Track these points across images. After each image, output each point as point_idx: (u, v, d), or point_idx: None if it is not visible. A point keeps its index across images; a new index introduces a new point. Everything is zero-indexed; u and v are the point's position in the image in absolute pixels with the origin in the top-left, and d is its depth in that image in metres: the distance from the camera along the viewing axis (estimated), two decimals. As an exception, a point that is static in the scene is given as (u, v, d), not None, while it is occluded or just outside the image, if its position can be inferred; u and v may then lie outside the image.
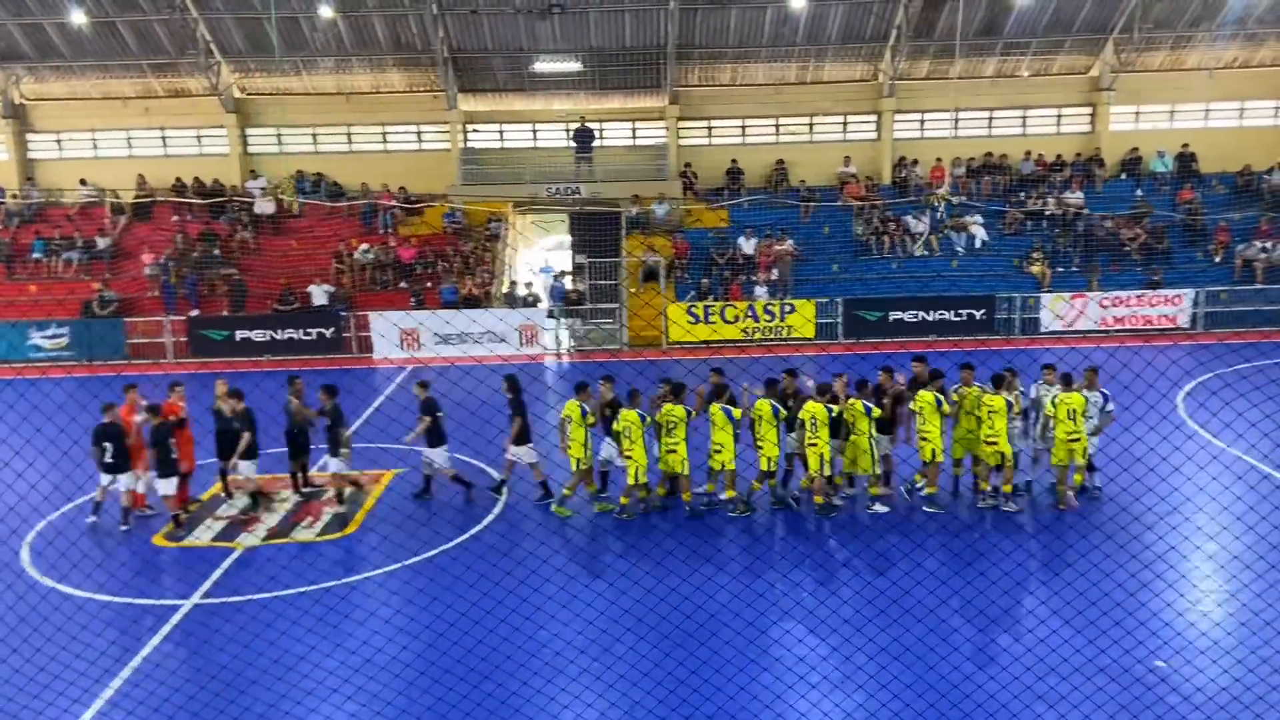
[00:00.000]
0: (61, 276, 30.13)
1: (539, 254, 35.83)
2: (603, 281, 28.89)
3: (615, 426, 14.16)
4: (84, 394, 14.15)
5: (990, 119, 33.84)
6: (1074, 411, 13.81)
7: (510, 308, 28.50)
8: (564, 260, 32.68)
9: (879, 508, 14.25)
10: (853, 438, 13.99)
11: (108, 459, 14.14)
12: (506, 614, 11.17)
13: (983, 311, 27.85)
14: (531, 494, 15.15)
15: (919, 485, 14.60)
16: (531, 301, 28.94)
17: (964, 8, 30.32)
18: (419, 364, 25.74)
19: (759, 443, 13.97)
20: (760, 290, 28.55)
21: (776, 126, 33.97)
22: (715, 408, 14.00)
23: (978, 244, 30.51)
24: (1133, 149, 33.07)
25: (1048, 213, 31.05)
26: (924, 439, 14.15)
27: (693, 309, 27.89)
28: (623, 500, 14.28)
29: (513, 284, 30.05)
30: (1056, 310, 27.89)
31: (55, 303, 28.97)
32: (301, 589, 12.11)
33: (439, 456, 14.97)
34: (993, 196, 31.70)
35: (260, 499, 15.07)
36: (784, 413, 13.96)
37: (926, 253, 30.25)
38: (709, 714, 9.21)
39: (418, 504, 15.05)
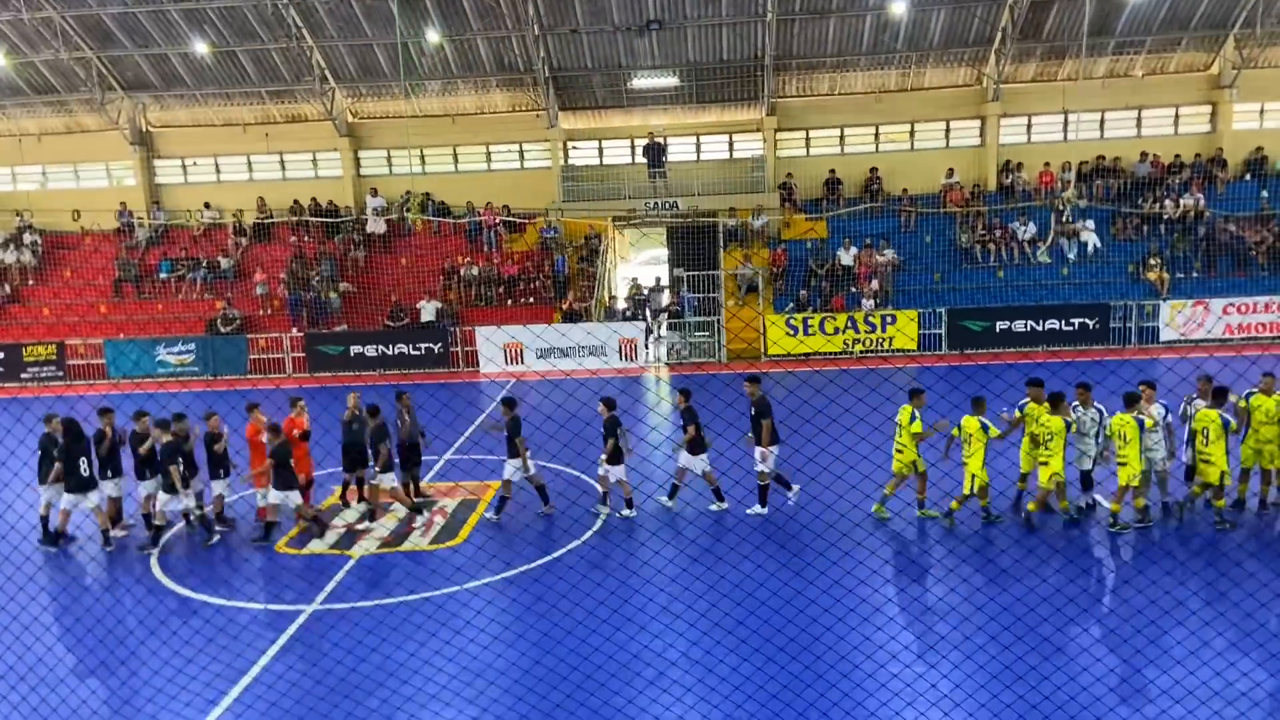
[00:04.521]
0: (187, 296, 31.85)
1: (636, 269, 36.14)
2: (701, 294, 28.97)
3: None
4: (206, 406, 14.97)
5: (1102, 121, 32.69)
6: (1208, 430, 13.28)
7: (609, 322, 28.87)
8: (664, 275, 32.92)
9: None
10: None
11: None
12: (598, 624, 11.31)
13: (1096, 320, 26.91)
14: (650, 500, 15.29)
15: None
16: (631, 316, 29.24)
17: (1074, 8, 29.47)
18: (520, 378, 26.29)
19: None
20: (867, 303, 28.14)
21: (876, 135, 33.54)
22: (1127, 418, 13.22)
23: (1090, 250, 29.50)
24: (1257, 149, 31.52)
25: (1165, 216, 29.81)
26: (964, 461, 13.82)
27: (791, 321, 27.72)
28: (953, 505, 13.88)
29: (612, 298, 30.39)
30: (1174, 317, 26.76)
31: (181, 321, 30.68)
32: (402, 598, 12.50)
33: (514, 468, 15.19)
34: (1105, 201, 30.61)
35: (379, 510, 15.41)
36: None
37: (1048, 260, 29.39)
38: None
39: (529, 515, 15.31)
